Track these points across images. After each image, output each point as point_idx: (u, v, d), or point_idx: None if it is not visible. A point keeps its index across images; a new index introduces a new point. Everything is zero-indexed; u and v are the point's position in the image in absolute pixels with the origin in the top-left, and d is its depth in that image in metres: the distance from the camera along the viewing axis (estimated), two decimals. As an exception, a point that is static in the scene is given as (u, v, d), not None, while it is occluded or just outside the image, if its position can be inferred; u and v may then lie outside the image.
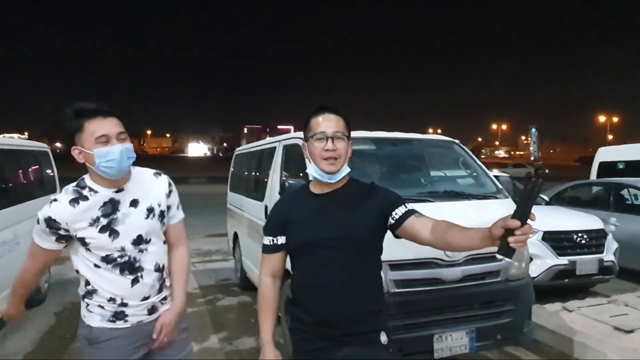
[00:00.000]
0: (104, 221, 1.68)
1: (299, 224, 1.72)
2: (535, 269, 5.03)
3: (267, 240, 1.79)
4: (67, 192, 1.70)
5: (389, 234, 1.75)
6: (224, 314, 4.99)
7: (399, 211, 1.65)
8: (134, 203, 1.75)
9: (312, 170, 1.71)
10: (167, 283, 1.89)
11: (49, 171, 5.88)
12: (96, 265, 1.72)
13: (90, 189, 1.70)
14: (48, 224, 1.65)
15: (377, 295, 1.78)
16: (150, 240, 1.78)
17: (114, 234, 1.70)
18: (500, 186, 3.85)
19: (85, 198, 1.68)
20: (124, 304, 1.75)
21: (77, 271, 1.78)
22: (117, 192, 1.72)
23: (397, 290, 3.06)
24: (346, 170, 1.72)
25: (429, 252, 3.05)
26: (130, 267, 1.74)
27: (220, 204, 6.85)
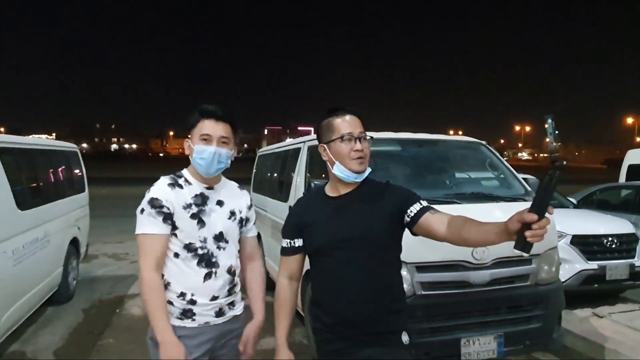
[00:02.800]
0: (194, 209, 1.80)
1: (316, 227, 1.74)
2: (564, 274, 4.89)
3: (285, 242, 1.83)
4: (164, 178, 1.83)
5: (410, 235, 1.74)
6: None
7: (414, 208, 1.66)
8: (220, 203, 1.88)
9: (338, 171, 1.73)
10: (237, 289, 1.95)
11: (77, 171, 6.02)
12: (176, 255, 1.79)
13: (186, 180, 1.85)
14: (153, 205, 1.74)
15: (397, 295, 1.78)
16: (228, 241, 1.88)
17: (201, 223, 1.81)
18: (529, 188, 3.78)
19: (180, 186, 1.82)
20: (193, 302, 1.79)
21: None
22: (207, 188, 1.86)
23: (423, 292, 3.02)
24: (368, 169, 1.76)
25: (457, 254, 3.01)
26: (207, 261, 1.81)
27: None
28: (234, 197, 1.95)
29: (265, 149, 6.84)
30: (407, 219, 1.67)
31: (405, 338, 1.73)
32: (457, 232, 1.53)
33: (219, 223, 1.85)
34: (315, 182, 3.42)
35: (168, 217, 1.76)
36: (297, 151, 4.55)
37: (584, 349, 3.90)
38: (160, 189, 1.79)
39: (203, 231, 1.81)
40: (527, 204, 1.26)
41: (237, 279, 1.93)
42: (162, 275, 1.79)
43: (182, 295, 1.79)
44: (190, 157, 1.85)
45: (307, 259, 1.87)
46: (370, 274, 1.68)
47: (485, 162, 4.16)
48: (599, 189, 7.92)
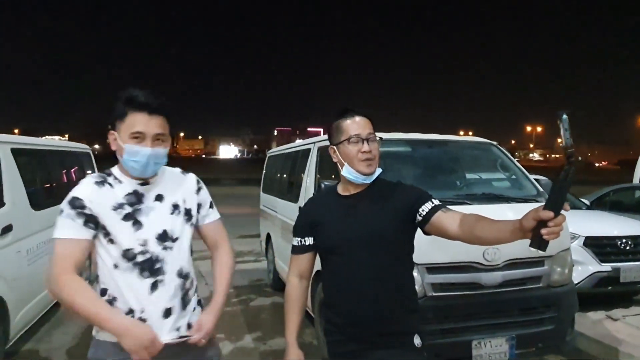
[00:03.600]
0: (128, 209, 1.56)
1: (327, 226, 1.74)
2: (577, 276, 4.84)
3: (296, 241, 1.83)
4: (91, 177, 1.61)
5: (423, 236, 1.74)
6: (258, 314, 5.04)
7: (426, 207, 1.65)
8: (159, 198, 1.62)
9: (347, 172, 1.73)
10: (192, 297, 1.69)
11: (90, 172, 6.09)
12: (115, 266, 1.55)
13: (116, 178, 1.60)
14: (72, 205, 1.51)
15: (409, 294, 1.77)
16: (176, 239, 1.62)
17: (137, 224, 1.56)
18: (541, 189, 3.74)
19: (110, 185, 1.58)
20: (143, 320, 1.54)
21: (97, 277, 1.61)
22: (142, 184, 1.61)
23: (434, 294, 3.01)
24: (379, 170, 1.75)
25: (468, 255, 3.00)
26: (150, 268, 1.56)
27: (251, 204, 6.93)
28: (176, 186, 1.68)
29: (275, 149, 6.86)
30: (419, 218, 1.65)
31: (417, 341, 1.71)
32: (470, 230, 1.51)
33: (161, 221, 1.60)
34: (325, 183, 3.42)
35: (90, 220, 1.52)
36: (307, 152, 4.55)
37: (597, 352, 3.85)
38: (84, 187, 1.56)
39: (141, 233, 1.56)
40: (539, 205, 1.24)
41: (190, 283, 1.66)
42: (105, 290, 1.57)
43: (131, 312, 1.55)
44: (118, 156, 1.58)
45: (317, 260, 1.87)
46: (382, 273, 1.68)
47: (496, 162, 4.13)
48: (612, 189, 7.82)
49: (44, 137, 8.49)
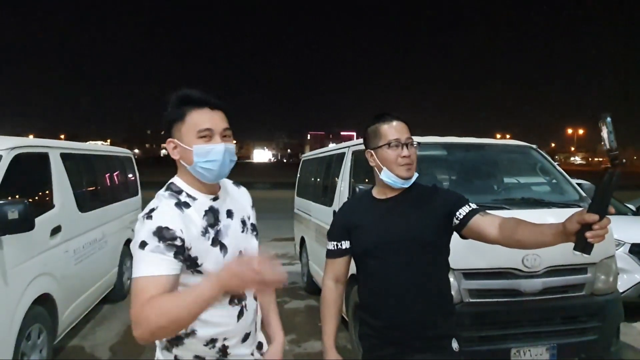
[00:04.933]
0: (211, 232, 1.35)
1: (364, 229, 1.75)
2: (622, 284, 4.64)
3: (331, 245, 1.83)
4: (164, 197, 1.35)
5: (459, 240, 1.73)
6: (292, 317, 5.08)
7: (463, 211, 1.64)
8: (230, 214, 1.44)
9: (386, 176, 1.73)
10: (259, 320, 1.58)
11: (131, 175, 6.32)
12: None
13: (188, 195, 1.38)
14: (161, 236, 1.24)
15: (446, 298, 1.77)
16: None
17: (223, 248, 1.36)
18: (583, 194, 3.63)
19: (187, 204, 1.35)
20: (224, 349, 1.40)
21: None
22: (214, 199, 1.42)
23: (471, 300, 2.96)
24: (416, 175, 1.75)
25: (506, 261, 2.94)
26: (239, 295, 1.41)
27: (285, 208, 6.99)
28: (237, 200, 1.52)
29: (310, 154, 6.91)
30: (456, 222, 1.65)
31: (455, 345, 1.71)
32: (510, 234, 1.48)
33: (237, 241, 1.42)
34: (360, 187, 3.43)
35: (180, 252, 1.26)
36: (341, 156, 4.57)
37: (645, 364, 3.69)
38: (167, 212, 1.29)
39: (227, 258, 1.36)
40: (582, 209, 1.22)
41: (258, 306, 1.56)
42: None
43: (213, 342, 1.38)
44: (183, 164, 1.37)
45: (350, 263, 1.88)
46: (421, 276, 1.68)
47: (535, 166, 4.03)
48: (661, 195, 7.45)
49: (87, 142, 8.87)
